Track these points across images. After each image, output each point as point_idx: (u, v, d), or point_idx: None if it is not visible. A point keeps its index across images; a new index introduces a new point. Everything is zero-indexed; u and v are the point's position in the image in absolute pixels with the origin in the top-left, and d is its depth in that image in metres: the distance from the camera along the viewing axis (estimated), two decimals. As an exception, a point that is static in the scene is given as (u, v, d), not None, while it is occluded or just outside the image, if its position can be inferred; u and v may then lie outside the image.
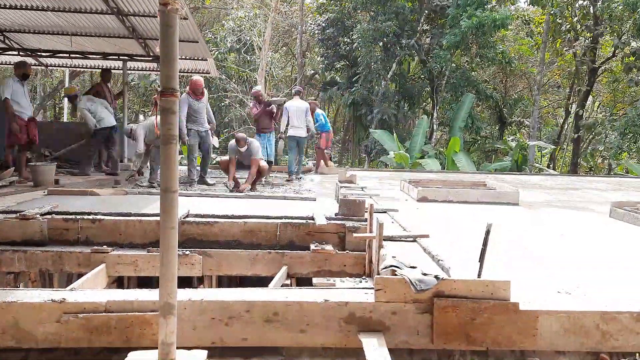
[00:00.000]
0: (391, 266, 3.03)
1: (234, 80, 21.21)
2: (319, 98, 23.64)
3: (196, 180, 7.99)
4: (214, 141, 8.63)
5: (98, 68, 12.46)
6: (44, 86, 22.22)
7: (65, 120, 15.25)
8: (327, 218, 4.86)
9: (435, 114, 19.05)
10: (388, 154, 16.06)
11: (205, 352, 2.43)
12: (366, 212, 4.57)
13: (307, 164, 13.00)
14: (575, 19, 19.47)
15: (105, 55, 10.19)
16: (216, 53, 19.54)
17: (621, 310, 2.72)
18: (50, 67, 12.78)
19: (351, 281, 3.89)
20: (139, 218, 4.72)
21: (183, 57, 9.94)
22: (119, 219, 4.70)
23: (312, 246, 4.53)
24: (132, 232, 4.64)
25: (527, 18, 21.46)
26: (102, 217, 4.71)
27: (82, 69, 15.19)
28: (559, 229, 5.33)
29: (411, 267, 3.01)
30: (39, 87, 21.64)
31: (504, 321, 2.64)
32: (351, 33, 18.94)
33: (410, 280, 2.68)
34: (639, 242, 4.89)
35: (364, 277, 4.16)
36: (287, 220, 4.80)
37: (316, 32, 20.63)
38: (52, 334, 2.63)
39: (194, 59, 10.44)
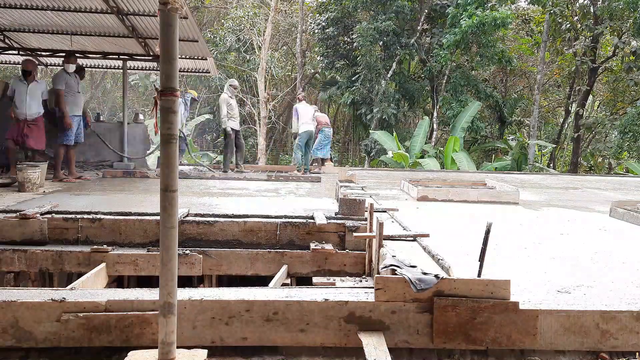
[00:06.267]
0: (391, 265, 3.03)
1: (234, 80, 21.17)
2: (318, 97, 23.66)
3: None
4: None
5: (98, 67, 12.48)
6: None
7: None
8: (327, 217, 4.85)
9: (435, 114, 19.04)
10: (388, 154, 16.05)
11: (205, 352, 2.43)
12: (366, 211, 4.57)
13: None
14: (576, 18, 19.47)
15: (105, 55, 10.19)
16: (216, 52, 19.53)
17: (621, 310, 2.72)
18: (50, 67, 12.77)
19: (351, 280, 3.88)
20: (139, 217, 4.71)
21: (183, 56, 9.94)
22: (119, 218, 4.69)
23: (312, 245, 4.52)
24: (132, 232, 4.64)
25: (527, 17, 21.43)
26: (102, 216, 4.71)
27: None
28: (559, 228, 5.33)
29: (411, 266, 3.01)
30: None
31: (504, 320, 2.64)
32: (351, 32, 18.93)
33: (410, 280, 2.68)
34: (639, 242, 4.90)
35: (364, 276, 4.15)
36: (287, 220, 4.80)
37: (316, 31, 20.62)
38: (52, 333, 2.63)
39: (193, 58, 10.44)
